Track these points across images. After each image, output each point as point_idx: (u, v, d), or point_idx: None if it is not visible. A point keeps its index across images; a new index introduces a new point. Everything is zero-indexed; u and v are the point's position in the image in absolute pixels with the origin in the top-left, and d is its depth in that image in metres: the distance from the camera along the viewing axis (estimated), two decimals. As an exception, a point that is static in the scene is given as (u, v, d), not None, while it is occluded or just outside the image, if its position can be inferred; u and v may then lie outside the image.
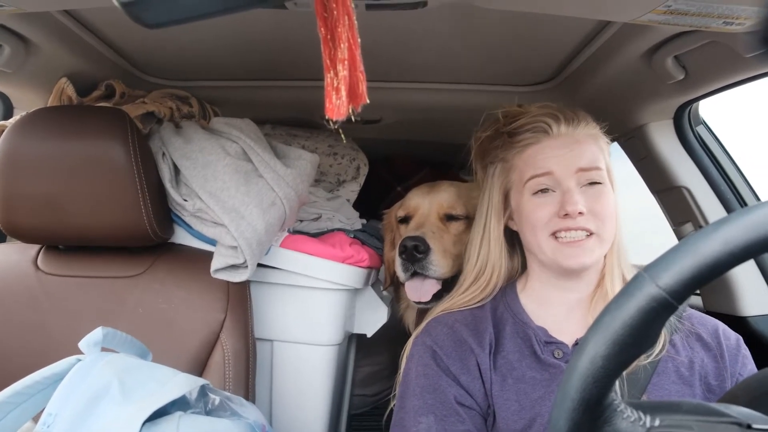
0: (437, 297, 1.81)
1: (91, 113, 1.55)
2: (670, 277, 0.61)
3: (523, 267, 1.48)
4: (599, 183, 1.31)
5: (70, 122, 1.49)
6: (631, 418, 0.66)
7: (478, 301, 1.44)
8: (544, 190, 1.31)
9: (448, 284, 1.82)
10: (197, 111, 2.04)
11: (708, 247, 0.60)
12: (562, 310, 1.37)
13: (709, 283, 0.72)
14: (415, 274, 1.81)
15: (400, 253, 1.80)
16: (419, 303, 1.82)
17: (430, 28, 1.58)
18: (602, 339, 0.63)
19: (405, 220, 1.99)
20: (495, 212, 1.43)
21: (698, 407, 0.68)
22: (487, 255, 1.44)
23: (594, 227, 1.27)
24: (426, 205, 1.93)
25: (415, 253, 1.77)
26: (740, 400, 0.82)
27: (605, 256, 1.34)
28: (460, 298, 1.45)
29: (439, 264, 1.78)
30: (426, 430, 1.24)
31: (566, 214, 1.26)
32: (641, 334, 0.62)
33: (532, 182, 1.32)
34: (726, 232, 0.60)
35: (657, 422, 0.66)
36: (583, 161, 1.30)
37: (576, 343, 1.31)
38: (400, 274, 1.83)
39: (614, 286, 1.33)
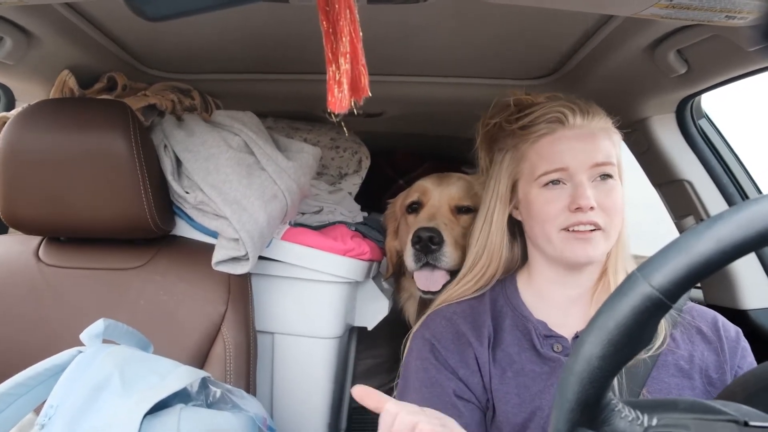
0: (444, 286, 1.81)
1: (93, 105, 1.55)
2: (663, 276, 0.61)
3: (523, 258, 1.48)
4: (611, 177, 1.30)
5: (72, 114, 1.49)
6: (629, 417, 0.67)
7: (476, 290, 1.44)
8: (555, 182, 1.30)
9: (456, 275, 1.83)
10: (199, 104, 2.04)
11: (700, 246, 0.60)
12: (563, 304, 1.36)
13: (701, 281, 0.72)
14: (425, 265, 1.82)
15: (414, 243, 1.79)
16: (427, 292, 1.82)
17: (432, 22, 1.58)
18: (597, 340, 0.63)
19: (414, 208, 1.99)
20: (500, 201, 1.42)
21: (695, 405, 0.68)
22: (486, 242, 1.43)
23: (602, 223, 1.26)
24: (437, 195, 1.93)
25: (430, 244, 1.77)
26: (738, 396, 0.83)
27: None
28: (458, 287, 1.45)
29: (450, 256, 1.78)
30: None
31: (578, 208, 1.25)
32: (636, 333, 0.63)
33: (544, 176, 1.31)
34: (718, 231, 0.60)
35: (655, 421, 0.66)
36: (598, 156, 1.29)
37: (576, 337, 1.31)
38: (411, 264, 1.83)
39: (617, 280, 1.33)
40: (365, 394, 0.95)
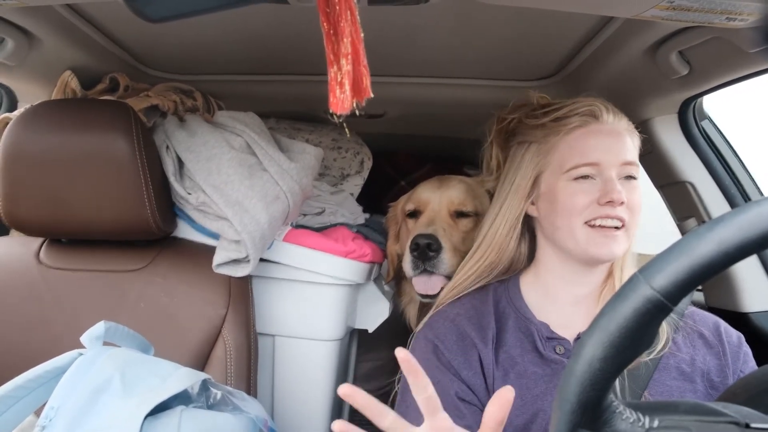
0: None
1: (95, 106, 1.55)
2: (665, 278, 0.61)
3: (528, 260, 1.48)
4: (634, 178, 1.32)
5: (74, 115, 1.49)
6: (630, 419, 0.67)
7: (475, 280, 1.44)
8: (585, 177, 1.30)
9: (455, 279, 1.83)
10: (201, 105, 2.04)
11: (702, 248, 0.60)
12: (567, 305, 1.36)
13: (703, 283, 0.72)
14: (423, 271, 1.82)
15: (412, 251, 1.79)
16: (426, 296, 1.82)
17: (433, 23, 1.58)
18: (598, 341, 0.63)
19: (414, 214, 1.99)
20: (517, 192, 1.41)
21: (696, 407, 0.68)
22: (489, 230, 1.44)
23: (627, 219, 1.27)
24: (436, 200, 1.93)
25: (428, 251, 1.77)
26: (739, 398, 0.82)
27: None
28: (460, 276, 1.45)
29: (449, 262, 1.78)
30: None
31: (609, 202, 1.25)
32: (637, 335, 0.62)
33: (575, 170, 1.31)
34: (720, 232, 0.60)
35: (656, 423, 0.66)
36: (626, 155, 1.31)
37: (578, 338, 1.31)
38: (409, 270, 1.83)
39: (622, 281, 1.33)
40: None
